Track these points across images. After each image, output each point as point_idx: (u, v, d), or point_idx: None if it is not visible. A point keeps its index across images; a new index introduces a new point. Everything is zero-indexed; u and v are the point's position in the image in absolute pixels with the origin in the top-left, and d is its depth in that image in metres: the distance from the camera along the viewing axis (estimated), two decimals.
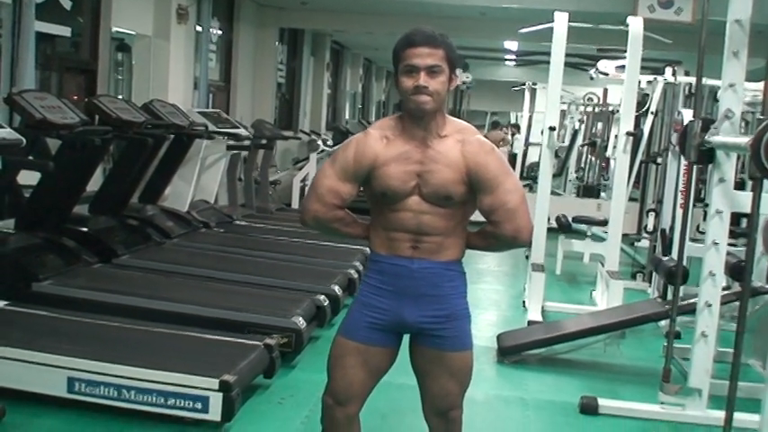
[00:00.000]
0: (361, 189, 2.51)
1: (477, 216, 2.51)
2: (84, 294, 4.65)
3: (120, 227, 6.07)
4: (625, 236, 7.10)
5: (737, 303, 3.53)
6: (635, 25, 6.01)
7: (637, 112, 7.05)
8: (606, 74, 8.80)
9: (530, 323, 5.63)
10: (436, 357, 2.49)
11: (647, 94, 8.36)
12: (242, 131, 8.15)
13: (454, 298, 2.50)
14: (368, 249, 2.56)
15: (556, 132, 6.17)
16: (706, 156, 3.84)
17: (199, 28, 9.29)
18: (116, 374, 3.48)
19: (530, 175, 12.97)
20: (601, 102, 13.37)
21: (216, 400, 3.42)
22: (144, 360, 3.60)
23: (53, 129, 4.77)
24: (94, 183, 5.91)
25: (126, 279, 5.12)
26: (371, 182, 2.44)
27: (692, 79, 7.53)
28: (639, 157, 8.32)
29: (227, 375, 3.46)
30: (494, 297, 7.08)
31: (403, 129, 2.43)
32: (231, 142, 8.02)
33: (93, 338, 3.94)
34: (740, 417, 3.20)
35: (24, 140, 4.25)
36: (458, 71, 2.48)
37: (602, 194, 11.39)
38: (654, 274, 6.60)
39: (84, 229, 5.68)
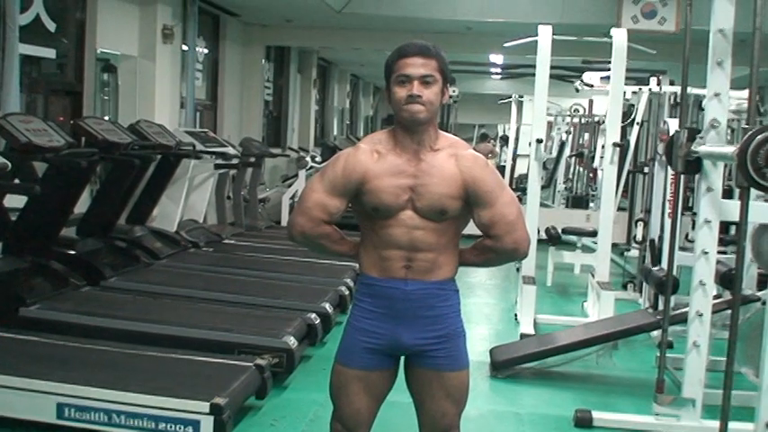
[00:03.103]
0: (350, 206, 2.47)
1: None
2: (72, 318, 4.62)
3: (108, 249, 6.04)
4: (615, 246, 7.10)
5: (729, 312, 3.52)
6: (619, 37, 6.07)
7: (623, 122, 7.09)
8: (591, 85, 8.88)
9: (522, 336, 5.62)
10: (433, 378, 2.46)
11: (633, 105, 8.40)
12: (230, 150, 8.14)
13: (450, 317, 2.47)
14: (358, 266, 2.53)
15: (543, 144, 6.19)
16: (693, 166, 3.84)
17: (185, 47, 9.28)
18: (106, 399, 3.45)
19: (518, 187, 12.98)
20: (587, 113, 13.42)
21: (207, 424, 3.38)
22: (134, 384, 3.57)
23: (39, 152, 4.73)
24: (82, 205, 5.88)
25: (114, 302, 5.09)
26: (362, 197, 2.39)
27: (677, 88, 7.58)
28: (627, 167, 8.35)
29: (218, 398, 3.44)
30: (485, 311, 7.06)
31: (395, 142, 2.39)
32: (219, 161, 8.01)
33: (82, 363, 3.90)
34: (735, 426, 3.20)
35: (10, 165, 4.22)
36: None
37: (591, 205, 11.39)
38: (644, 284, 6.60)
39: (72, 252, 5.66)
